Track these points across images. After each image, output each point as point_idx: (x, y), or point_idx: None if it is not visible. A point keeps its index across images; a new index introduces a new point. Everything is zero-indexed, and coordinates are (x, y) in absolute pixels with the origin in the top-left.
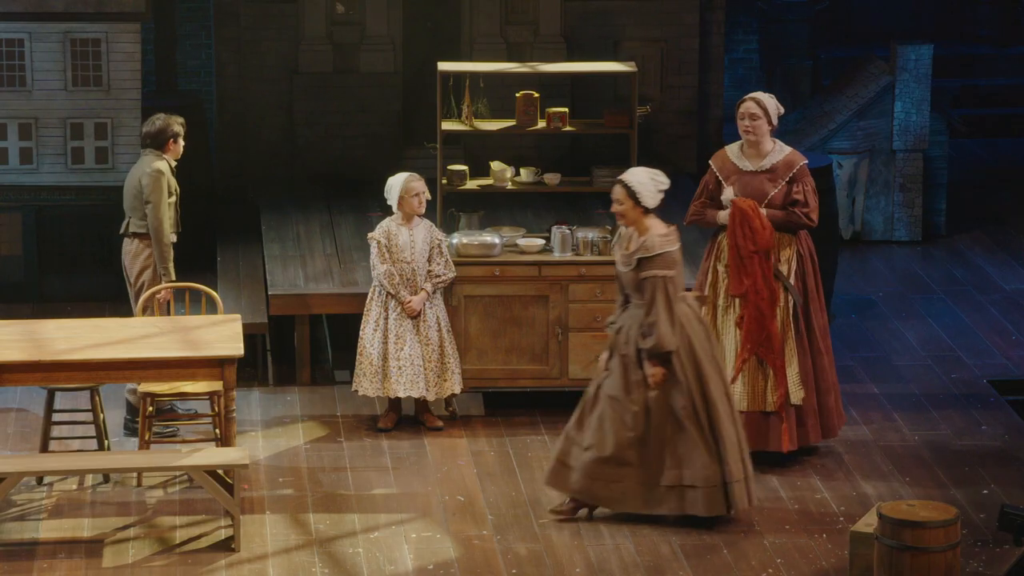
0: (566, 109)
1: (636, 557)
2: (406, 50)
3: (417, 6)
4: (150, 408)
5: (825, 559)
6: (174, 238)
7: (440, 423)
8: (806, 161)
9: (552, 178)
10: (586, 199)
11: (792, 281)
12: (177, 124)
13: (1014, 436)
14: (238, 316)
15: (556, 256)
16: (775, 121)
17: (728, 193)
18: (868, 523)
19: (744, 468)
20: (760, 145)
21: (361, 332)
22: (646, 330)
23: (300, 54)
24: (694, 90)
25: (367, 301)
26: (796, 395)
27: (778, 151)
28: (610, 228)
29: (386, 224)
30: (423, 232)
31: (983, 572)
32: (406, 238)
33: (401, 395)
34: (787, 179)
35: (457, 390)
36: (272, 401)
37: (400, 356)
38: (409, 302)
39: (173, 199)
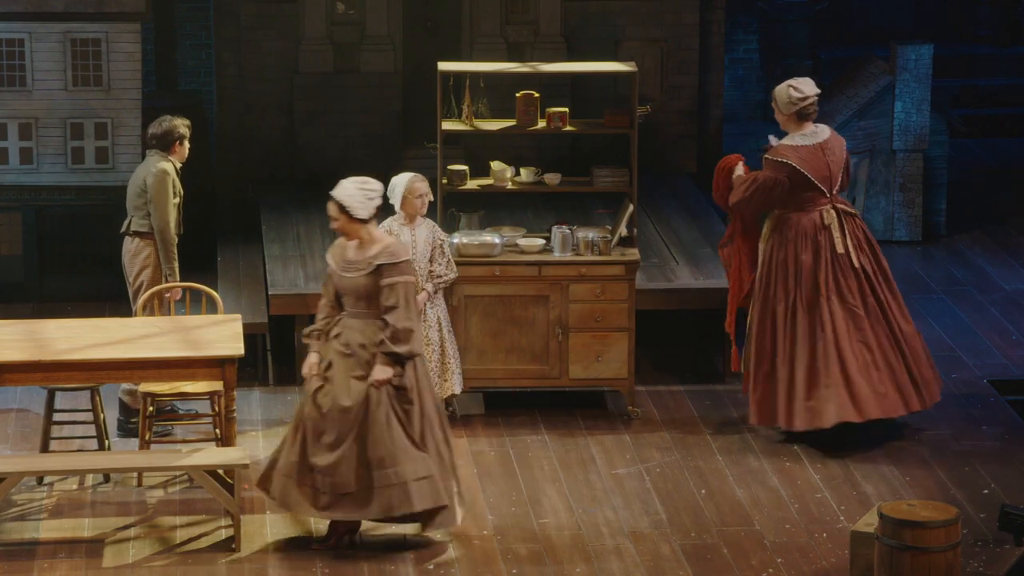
0: (566, 109)
1: (636, 557)
2: (406, 50)
3: (417, 6)
4: (150, 408)
5: (825, 559)
6: (176, 239)
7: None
8: (772, 157)
9: (552, 178)
10: (586, 199)
11: (760, 266)
12: (184, 127)
13: (1014, 436)
14: (238, 316)
15: (556, 256)
16: (785, 109)
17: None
18: (868, 523)
19: (453, 487)
20: (788, 130)
21: None
22: (393, 334)
23: (300, 54)
24: (694, 90)
25: None
26: (741, 361)
27: (781, 138)
28: (610, 228)
29: (388, 224)
30: (425, 232)
31: (983, 572)
32: (408, 238)
33: None
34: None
35: (457, 390)
36: (272, 401)
37: None
38: None
39: (177, 200)
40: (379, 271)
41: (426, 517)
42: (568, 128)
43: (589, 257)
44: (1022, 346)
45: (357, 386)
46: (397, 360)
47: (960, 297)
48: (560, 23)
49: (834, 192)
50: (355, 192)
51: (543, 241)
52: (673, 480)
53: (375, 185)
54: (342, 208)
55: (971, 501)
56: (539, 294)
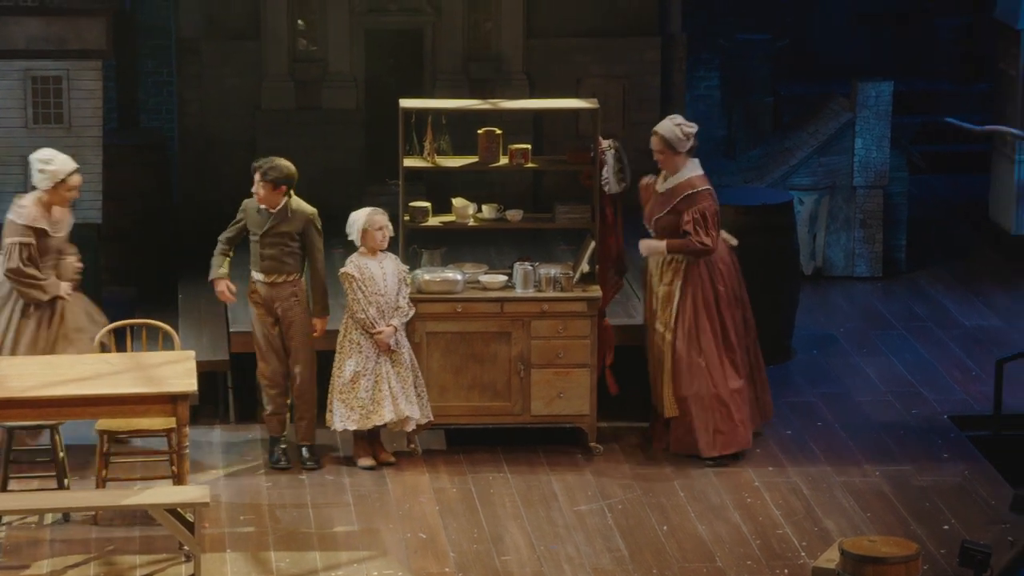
0: (528, 146)
1: None
2: (368, 87)
3: (379, 43)
4: (106, 445)
5: None
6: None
7: (392, 458)
8: (703, 188)
9: (514, 215)
10: (548, 235)
11: (675, 311)
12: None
13: (974, 471)
14: (192, 352)
15: (518, 292)
16: (681, 147)
17: None
18: (830, 559)
19: None
20: (671, 170)
21: (338, 368)
22: None
23: (263, 91)
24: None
25: (340, 338)
26: (670, 409)
27: (678, 176)
28: (571, 264)
29: (356, 259)
30: (392, 265)
31: None
32: (377, 270)
33: (387, 419)
34: (675, 202)
35: (421, 418)
36: (233, 438)
37: (383, 386)
38: (380, 333)
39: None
40: None
41: None
42: (530, 165)
43: (551, 293)
44: (982, 382)
45: None
46: None
47: (920, 333)
48: (522, 60)
49: None
50: None
51: (505, 277)
52: (635, 516)
53: None
54: None
55: (932, 537)
56: (501, 330)
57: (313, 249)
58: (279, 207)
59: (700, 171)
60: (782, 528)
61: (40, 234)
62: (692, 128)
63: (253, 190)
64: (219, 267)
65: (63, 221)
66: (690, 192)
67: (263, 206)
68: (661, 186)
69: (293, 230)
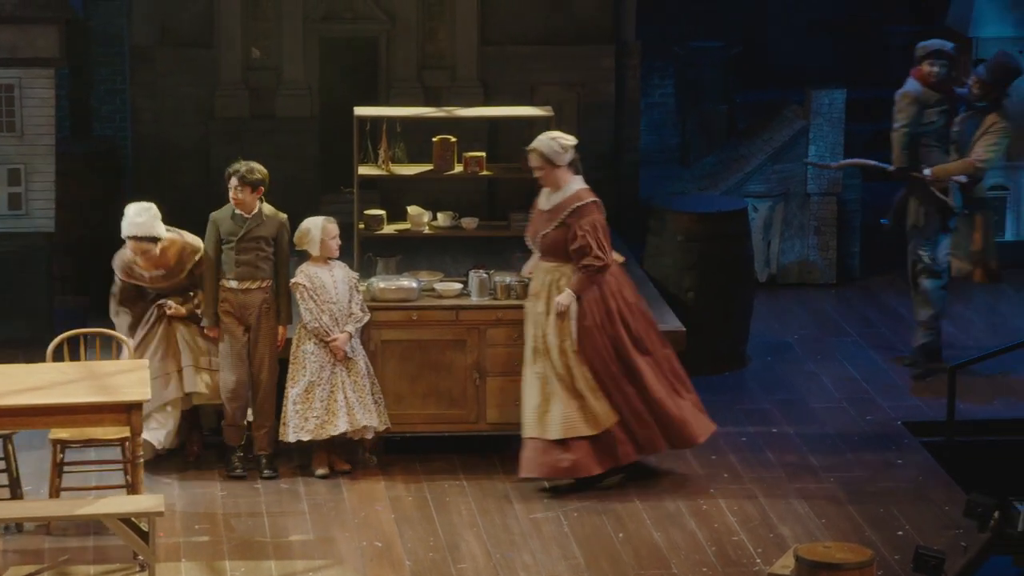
0: (483, 153)
1: None
2: (323, 95)
3: (334, 50)
4: (60, 455)
5: None
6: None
7: (348, 466)
8: (585, 201)
9: (469, 222)
10: (503, 243)
11: (575, 326)
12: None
13: (928, 477)
14: (146, 361)
15: (474, 300)
16: (560, 161)
17: None
18: (785, 565)
19: None
20: (553, 186)
21: (292, 379)
22: None
23: (216, 99)
24: (610, 134)
25: (293, 349)
26: (606, 418)
27: (564, 191)
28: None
29: (306, 269)
30: (342, 273)
31: None
32: (328, 278)
33: (342, 430)
34: (563, 216)
35: (387, 424)
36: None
37: (338, 396)
38: (335, 340)
39: None
40: None
41: None
42: (485, 172)
43: (506, 301)
44: (935, 388)
45: None
46: None
47: (874, 339)
48: (476, 67)
49: None
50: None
51: (460, 285)
52: (591, 524)
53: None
54: None
55: (886, 542)
56: (456, 339)
57: (284, 255)
58: (255, 211)
59: (584, 184)
60: (737, 535)
61: (126, 282)
62: (570, 140)
63: (231, 196)
64: (214, 315)
65: (164, 272)
66: (577, 205)
67: (239, 211)
68: (545, 203)
69: (268, 235)
